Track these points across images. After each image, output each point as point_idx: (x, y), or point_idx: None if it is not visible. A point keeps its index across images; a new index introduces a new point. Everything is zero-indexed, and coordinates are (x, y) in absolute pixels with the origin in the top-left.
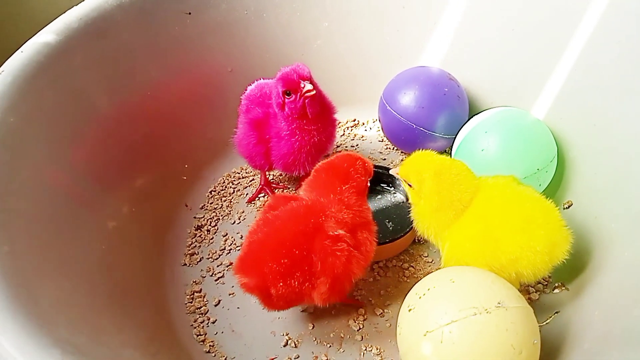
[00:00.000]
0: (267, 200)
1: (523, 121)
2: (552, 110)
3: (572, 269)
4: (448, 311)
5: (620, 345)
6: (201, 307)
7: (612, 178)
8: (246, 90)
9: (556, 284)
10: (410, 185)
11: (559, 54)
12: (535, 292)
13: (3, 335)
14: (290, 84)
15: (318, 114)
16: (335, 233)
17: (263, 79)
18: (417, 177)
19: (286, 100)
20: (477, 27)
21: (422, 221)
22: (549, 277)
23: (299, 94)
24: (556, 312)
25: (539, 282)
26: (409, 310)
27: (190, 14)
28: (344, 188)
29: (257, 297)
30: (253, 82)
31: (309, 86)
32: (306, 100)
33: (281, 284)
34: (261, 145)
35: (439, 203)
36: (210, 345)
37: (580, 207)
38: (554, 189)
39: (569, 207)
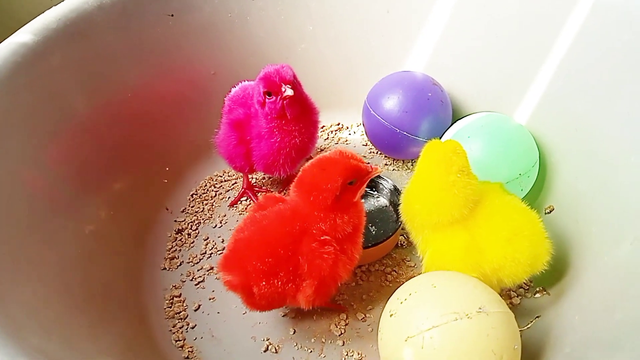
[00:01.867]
0: (251, 203)
1: (505, 126)
2: (534, 115)
3: (553, 274)
4: (429, 316)
5: (602, 348)
6: (180, 312)
7: (593, 182)
8: (230, 92)
9: (537, 289)
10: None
11: (542, 59)
12: (517, 297)
13: None
14: (271, 86)
15: (298, 115)
16: (322, 238)
17: (247, 81)
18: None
19: (266, 100)
20: (461, 32)
21: (414, 206)
22: (530, 281)
23: (279, 96)
24: (537, 317)
25: (521, 287)
26: (391, 315)
27: (172, 15)
28: (312, 199)
29: (239, 296)
30: (237, 84)
31: (289, 91)
32: (285, 102)
33: (264, 283)
34: (242, 146)
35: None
36: (189, 351)
37: (562, 211)
38: (536, 194)
39: (550, 212)
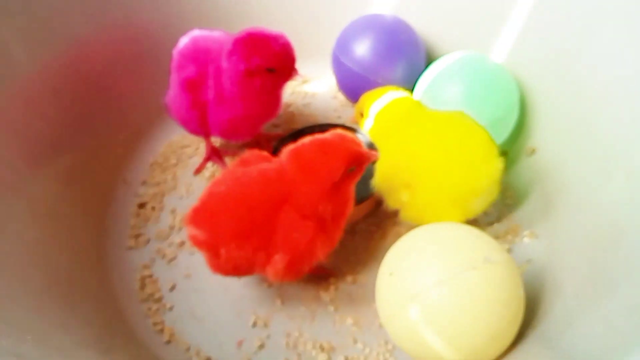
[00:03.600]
0: (218, 169)
1: (484, 66)
2: (512, 53)
3: (541, 216)
4: (435, 271)
5: (608, 284)
6: (155, 293)
7: (578, 120)
8: (178, 43)
9: (525, 233)
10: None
11: None
12: (505, 244)
13: None
14: (282, 64)
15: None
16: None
17: (198, 29)
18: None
19: (261, 73)
20: None
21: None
22: (518, 226)
23: (285, 78)
24: (528, 261)
25: (508, 234)
26: (390, 274)
27: None
28: (307, 180)
29: (204, 255)
30: (186, 34)
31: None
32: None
33: (234, 245)
34: (196, 110)
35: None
36: (170, 335)
37: (545, 152)
38: (515, 136)
39: (532, 153)
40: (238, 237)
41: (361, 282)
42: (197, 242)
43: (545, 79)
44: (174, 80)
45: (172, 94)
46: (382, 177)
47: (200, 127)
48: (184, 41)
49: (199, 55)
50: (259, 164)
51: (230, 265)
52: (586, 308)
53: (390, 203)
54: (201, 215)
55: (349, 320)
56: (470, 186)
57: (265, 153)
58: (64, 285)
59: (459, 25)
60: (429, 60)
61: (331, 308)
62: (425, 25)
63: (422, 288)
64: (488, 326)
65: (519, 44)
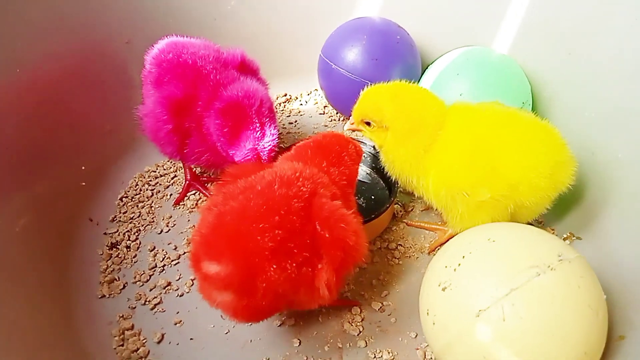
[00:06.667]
0: (202, 198)
1: (491, 57)
2: (515, 46)
3: (579, 217)
4: (502, 278)
5: None
6: (138, 348)
7: (606, 105)
8: (153, 48)
9: (565, 235)
10: (369, 125)
11: None
12: None
13: None
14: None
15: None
16: (335, 202)
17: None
18: (374, 111)
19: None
20: None
21: (395, 157)
22: (553, 230)
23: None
24: None
25: None
26: (443, 289)
27: None
28: (332, 170)
29: (226, 302)
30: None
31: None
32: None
33: (274, 266)
34: (177, 134)
35: (409, 126)
36: None
37: (572, 146)
38: None
39: None
40: (278, 255)
41: (390, 308)
42: (222, 281)
43: (559, 68)
44: (153, 95)
45: (149, 109)
46: (454, 178)
47: (175, 151)
48: (160, 47)
49: (186, 72)
50: (257, 171)
51: (267, 299)
52: None
53: (457, 207)
54: (217, 244)
55: (385, 355)
56: (541, 201)
57: (258, 162)
58: (26, 348)
59: (451, 23)
60: (423, 61)
61: (361, 343)
62: (415, 26)
63: (491, 300)
64: (579, 335)
65: (522, 36)
